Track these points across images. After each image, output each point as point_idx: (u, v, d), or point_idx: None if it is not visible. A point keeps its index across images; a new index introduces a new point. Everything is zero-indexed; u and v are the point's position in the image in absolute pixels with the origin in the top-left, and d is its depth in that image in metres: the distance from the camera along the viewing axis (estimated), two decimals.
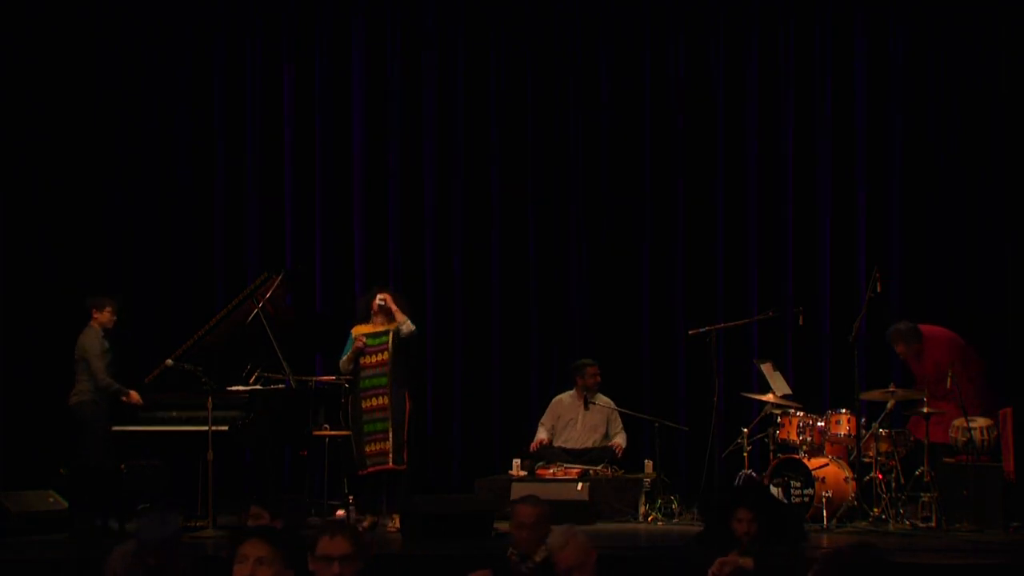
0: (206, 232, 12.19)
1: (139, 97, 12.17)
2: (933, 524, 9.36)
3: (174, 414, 9.91)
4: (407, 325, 9.96)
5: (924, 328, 10.28)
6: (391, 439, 9.83)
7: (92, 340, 10.12)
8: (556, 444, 10.89)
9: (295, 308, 10.72)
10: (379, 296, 10.04)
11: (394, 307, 9.98)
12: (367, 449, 9.87)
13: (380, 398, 9.90)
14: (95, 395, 10.03)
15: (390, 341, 9.91)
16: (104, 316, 10.21)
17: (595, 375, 10.90)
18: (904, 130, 11.81)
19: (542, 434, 10.91)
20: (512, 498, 10.07)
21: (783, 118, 11.98)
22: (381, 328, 9.96)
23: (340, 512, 10.05)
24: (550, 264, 12.14)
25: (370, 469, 9.86)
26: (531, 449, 10.81)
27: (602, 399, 10.93)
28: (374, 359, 9.96)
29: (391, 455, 9.81)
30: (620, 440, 10.84)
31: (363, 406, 9.91)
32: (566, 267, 12.15)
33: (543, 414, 11.09)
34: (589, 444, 10.86)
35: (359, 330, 10.01)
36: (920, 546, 8.72)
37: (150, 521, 6.09)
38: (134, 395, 9.99)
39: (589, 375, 10.88)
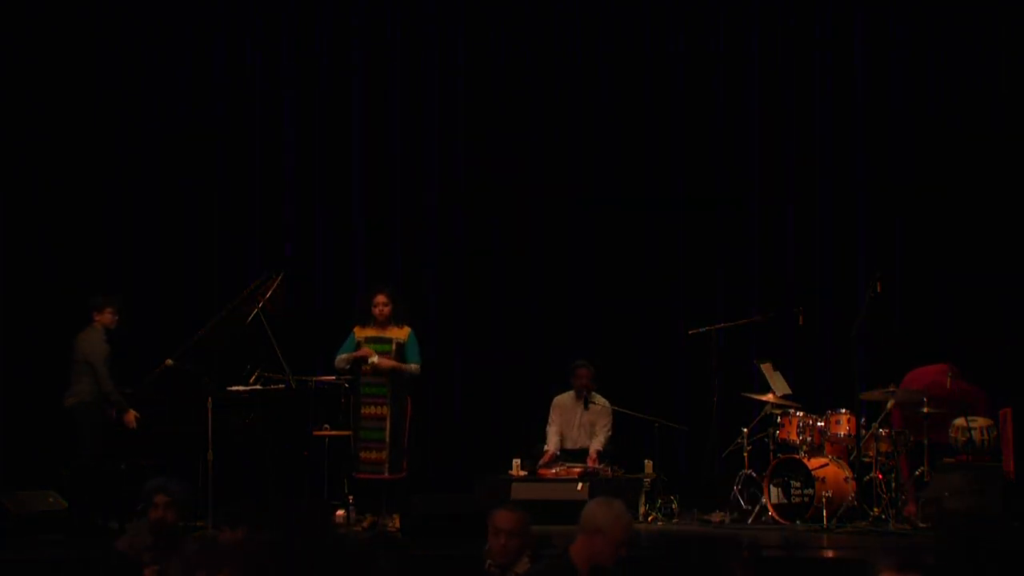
0: (206, 231, 12.18)
1: (139, 97, 12.17)
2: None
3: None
4: (410, 368, 9.89)
5: (917, 373, 10.22)
6: (388, 449, 9.79)
7: (96, 342, 9.97)
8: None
9: (295, 308, 10.72)
10: (377, 298, 9.96)
11: (393, 363, 9.84)
12: (362, 455, 9.86)
13: (379, 407, 9.86)
14: (94, 397, 9.96)
15: (392, 351, 9.87)
16: (106, 317, 10.13)
17: (585, 376, 10.81)
18: (904, 129, 11.82)
19: (552, 445, 10.85)
20: (512, 497, 10.12)
21: (783, 117, 12.00)
22: (384, 334, 9.92)
23: (340, 512, 10.05)
24: (550, 263, 12.15)
25: (362, 475, 9.85)
26: (541, 463, 10.75)
27: (600, 399, 10.92)
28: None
29: (387, 465, 9.78)
30: (597, 444, 10.70)
31: (362, 412, 9.89)
32: (566, 266, 12.15)
33: (542, 414, 11.08)
34: (588, 444, 10.84)
35: (361, 333, 9.96)
36: (920, 546, 8.70)
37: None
38: (130, 417, 9.85)
39: (578, 376, 10.83)
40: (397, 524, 9.55)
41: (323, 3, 12.35)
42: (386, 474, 9.76)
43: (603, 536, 5.36)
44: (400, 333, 9.92)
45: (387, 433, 9.79)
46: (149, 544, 6.46)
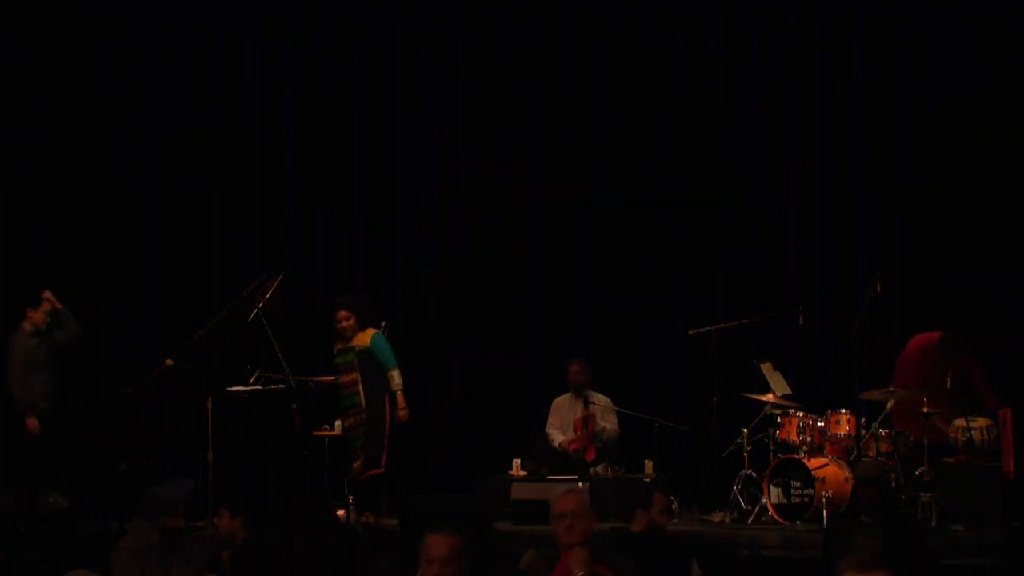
0: (206, 231, 12.19)
1: (139, 97, 12.17)
2: (933, 524, 9.35)
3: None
4: (395, 384, 9.75)
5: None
6: (365, 450, 9.78)
7: (15, 340, 10.10)
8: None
9: (295, 308, 10.71)
10: (338, 315, 9.92)
11: (387, 420, 9.74)
12: (353, 464, 9.87)
13: (356, 416, 9.88)
14: (48, 401, 10.01)
15: (355, 360, 9.85)
16: (39, 316, 10.16)
17: (577, 372, 10.88)
18: (904, 129, 11.82)
19: (560, 436, 10.91)
20: (512, 498, 10.13)
21: (783, 117, 12.00)
22: (350, 344, 9.90)
23: (340, 512, 10.05)
24: (550, 263, 12.15)
25: (360, 480, 9.86)
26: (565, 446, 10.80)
27: (600, 398, 10.92)
28: (347, 378, 9.92)
29: (368, 465, 9.77)
30: (608, 425, 10.79)
31: (345, 424, 9.94)
32: (566, 266, 12.15)
33: (542, 414, 11.09)
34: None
35: (337, 347, 9.95)
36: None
37: (163, 484, 6.24)
38: (31, 423, 9.98)
39: (572, 372, 10.88)
40: (396, 523, 9.55)
41: (323, 3, 12.36)
42: (366, 472, 9.73)
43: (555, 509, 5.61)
44: (363, 340, 9.88)
45: (364, 438, 9.79)
46: (153, 544, 6.47)
